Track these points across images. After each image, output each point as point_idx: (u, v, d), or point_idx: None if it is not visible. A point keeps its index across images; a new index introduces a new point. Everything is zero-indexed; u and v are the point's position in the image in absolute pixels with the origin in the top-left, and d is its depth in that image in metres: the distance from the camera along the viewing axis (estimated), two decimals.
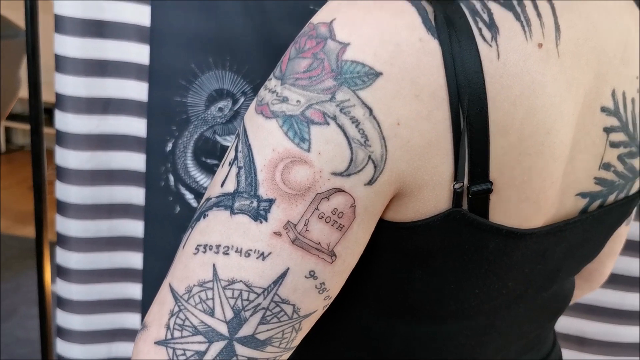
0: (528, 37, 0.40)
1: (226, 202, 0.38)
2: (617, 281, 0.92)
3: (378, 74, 0.36)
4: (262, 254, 0.37)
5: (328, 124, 0.36)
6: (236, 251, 0.37)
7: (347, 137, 0.36)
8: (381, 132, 0.37)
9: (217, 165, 0.93)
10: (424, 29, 0.37)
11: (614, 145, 0.50)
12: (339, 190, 0.36)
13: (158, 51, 0.90)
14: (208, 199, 0.39)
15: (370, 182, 0.37)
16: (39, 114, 1.06)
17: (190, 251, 0.39)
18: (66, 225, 0.98)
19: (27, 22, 1.01)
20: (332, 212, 0.37)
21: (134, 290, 1.03)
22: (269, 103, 0.38)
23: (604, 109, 0.48)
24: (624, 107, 0.49)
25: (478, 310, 0.49)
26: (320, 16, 0.39)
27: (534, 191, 0.43)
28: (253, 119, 0.39)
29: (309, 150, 0.36)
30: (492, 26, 0.39)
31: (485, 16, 0.39)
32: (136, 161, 0.96)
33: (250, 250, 0.37)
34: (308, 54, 0.38)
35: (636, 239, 0.91)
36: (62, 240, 1.00)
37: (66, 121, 0.93)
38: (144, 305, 1.03)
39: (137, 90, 0.92)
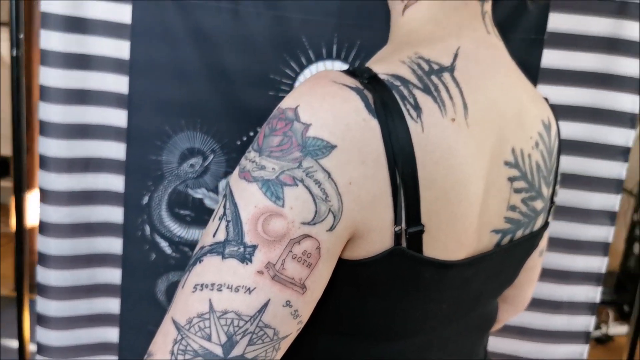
0: (444, 114, 0.53)
1: (218, 249, 0.48)
2: (543, 305, 1.06)
3: (333, 147, 0.47)
4: (249, 289, 0.46)
5: (297, 185, 0.47)
6: (228, 287, 0.46)
7: (312, 195, 0.47)
8: (338, 190, 0.47)
9: (189, 216, 1.03)
10: (366, 111, 0.49)
11: (517, 191, 0.62)
12: (308, 236, 0.47)
13: (135, 115, 1.00)
14: (202, 247, 0.49)
15: (331, 229, 0.48)
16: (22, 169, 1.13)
17: (189, 290, 0.48)
18: (46, 276, 1.06)
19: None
20: (302, 253, 0.47)
21: (112, 334, 1.10)
22: (250, 170, 0.49)
23: (506, 163, 0.60)
24: (523, 161, 0.62)
25: (420, 329, 0.60)
26: (287, 102, 0.50)
27: (457, 230, 0.55)
28: (238, 182, 0.49)
29: (283, 206, 0.46)
30: (417, 107, 0.52)
31: (411, 100, 0.52)
32: (114, 214, 1.05)
33: (239, 286, 0.46)
34: (279, 132, 0.49)
35: (558, 267, 1.05)
36: (43, 290, 1.07)
37: (49, 180, 1.01)
38: (121, 349, 1.10)
39: (116, 150, 1.02)
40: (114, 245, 1.06)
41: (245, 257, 0.47)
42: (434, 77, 0.54)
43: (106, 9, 0.98)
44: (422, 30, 0.60)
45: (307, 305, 0.50)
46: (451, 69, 0.55)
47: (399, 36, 0.62)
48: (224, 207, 0.49)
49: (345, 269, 0.53)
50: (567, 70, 0.99)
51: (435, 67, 0.55)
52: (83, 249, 1.06)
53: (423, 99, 0.52)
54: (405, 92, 0.52)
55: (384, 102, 0.50)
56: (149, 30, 0.98)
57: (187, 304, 0.48)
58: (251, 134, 1.00)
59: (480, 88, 0.57)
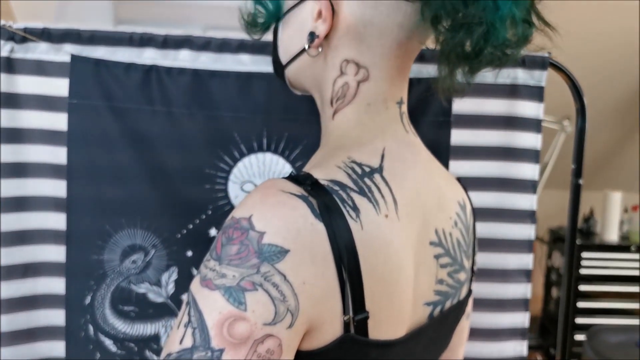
0: (378, 212, 0.60)
1: (186, 355, 0.51)
2: None
3: (287, 251, 0.52)
4: None
5: (257, 289, 0.51)
6: None
7: (271, 297, 0.51)
8: (293, 290, 0.52)
9: (134, 311, 1.05)
10: (313, 216, 0.55)
11: (443, 266, 0.70)
12: (270, 335, 0.51)
13: (74, 217, 1.02)
14: (169, 354, 0.52)
15: (290, 326, 0.52)
16: None
17: None
18: None
19: None
20: (266, 351, 0.51)
21: None
22: (211, 279, 0.53)
23: (432, 243, 0.68)
24: (445, 239, 0.71)
25: None
26: (241, 212, 0.55)
27: (395, 310, 0.62)
28: (200, 291, 0.53)
29: (245, 310, 0.51)
30: (355, 208, 0.59)
31: (350, 202, 0.59)
32: (56, 317, 1.05)
33: None
34: (236, 241, 0.54)
35: (485, 326, 1.14)
36: None
37: None
38: None
39: (56, 253, 1.03)
40: (57, 348, 1.05)
41: None
42: (366, 180, 0.61)
43: (41, 118, 1.01)
44: (351, 134, 0.67)
45: None
46: (380, 170, 0.63)
47: (331, 140, 0.69)
48: (189, 314, 0.53)
49: (302, 358, 0.58)
50: (474, 147, 1.10)
51: (367, 169, 0.62)
52: (25, 354, 1.04)
53: (360, 200, 0.59)
54: (344, 196, 0.58)
55: (327, 206, 0.56)
56: (86, 135, 1.01)
57: None
58: (190, 226, 1.04)
59: (405, 183, 0.65)
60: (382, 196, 0.61)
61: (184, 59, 1.02)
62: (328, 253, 0.55)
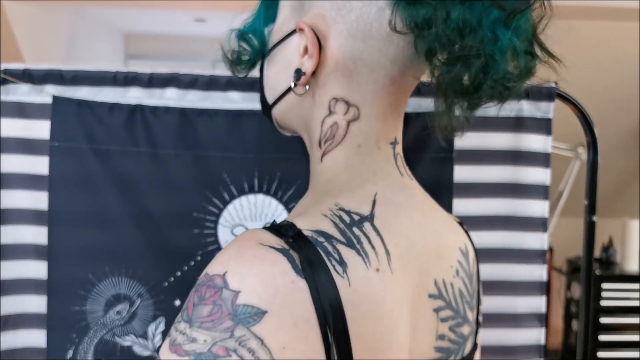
0: (368, 265, 0.54)
1: None
2: None
3: (264, 312, 0.47)
4: None
5: (230, 356, 0.46)
6: None
7: None
8: (272, 356, 0.47)
9: None
10: (294, 272, 0.49)
11: (443, 320, 0.64)
12: None
13: (56, 266, 0.97)
14: None
15: None
16: None
17: None
18: None
19: None
20: None
21: None
22: (181, 344, 0.48)
23: (430, 295, 0.62)
24: (446, 290, 0.65)
25: None
26: (214, 268, 0.50)
27: None
28: (169, 357, 0.48)
29: None
30: (342, 262, 0.53)
31: (336, 255, 0.53)
32: None
33: None
34: (209, 301, 0.49)
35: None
36: None
37: None
38: None
39: (36, 304, 0.98)
40: None
41: None
42: (355, 229, 0.56)
43: (22, 161, 0.97)
44: (340, 178, 0.62)
45: None
46: (371, 217, 0.58)
47: (318, 184, 0.64)
48: None
49: None
50: (479, 184, 1.04)
51: (356, 217, 0.57)
52: None
53: (347, 253, 0.54)
54: (330, 248, 0.53)
55: (310, 260, 0.51)
56: (68, 179, 0.97)
57: None
58: (178, 274, 0.99)
59: (399, 231, 0.60)
60: (373, 247, 0.56)
61: (170, 97, 0.98)
62: (311, 314, 0.49)
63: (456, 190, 1.04)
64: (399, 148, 0.66)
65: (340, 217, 0.57)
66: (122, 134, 0.97)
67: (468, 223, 1.02)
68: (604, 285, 3.20)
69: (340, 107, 0.63)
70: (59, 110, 0.97)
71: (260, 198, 1.00)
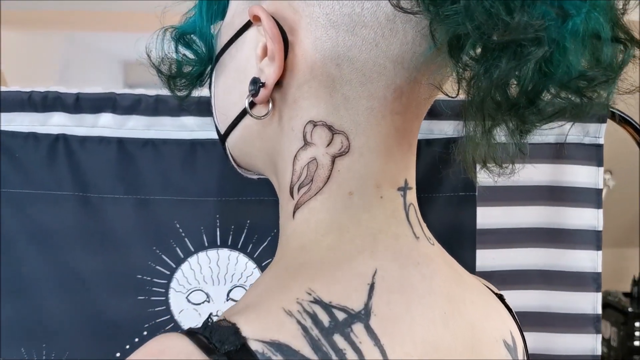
0: None
1: None
2: None
3: None
4: None
5: None
6: None
7: None
8: None
9: None
10: None
11: None
12: None
13: None
14: None
15: None
16: None
17: None
18: None
19: None
20: None
21: None
22: None
23: None
24: None
25: None
26: None
27: None
28: None
29: None
30: None
31: None
32: None
33: None
34: None
35: None
36: None
37: None
38: None
39: None
40: None
41: None
42: (338, 339, 0.37)
43: None
44: (319, 245, 0.43)
45: None
46: (365, 315, 0.39)
47: (287, 254, 0.45)
48: None
49: None
50: (509, 229, 0.83)
51: (341, 317, 0.38)
52: None
53: None
54: None
55: None
56: None
57: None
58: (118, 354, 0.76)
59: (411, 334, 0.41)
60: None
61: (105, 124, 0.77)
62: None
63: (480, 239, 0.82)
64: (412, 195, 0.46)
65: (314, 318, 0.37)
66: (40, 172, 0.76)
67: (496, 280, 0.79)
68: (637, 324, 2.94)
69: (320, 134, 0.43)
70: None
71: (224, 254, 0.78)
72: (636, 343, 2.94)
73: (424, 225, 0.46)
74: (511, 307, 0.55)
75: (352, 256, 0.41)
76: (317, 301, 0.38)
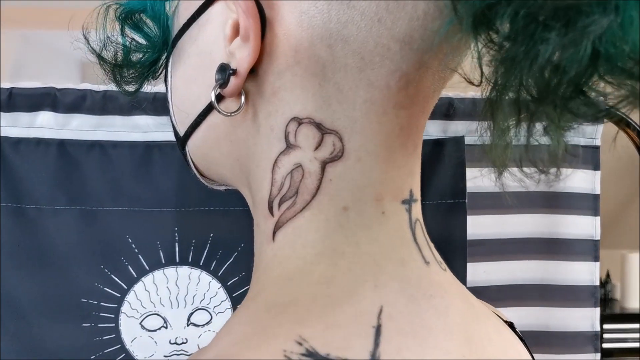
0: None
1: None
2: None
3: None
4: None
5: None
6: None
7: None
8: None
9: None
10: None
11: None
12: None
13: None
14: None
15: None
16: None
17: None
18: None
19: None
20: None
21: None
22: None
23: None
24: None
25: None
26: None
27: None
28: None
29: None
30: None
31: None
32: None
33: None
34: None
35: None
36: None
37: None
38: None
39: None
40: None
41: None
42: None
43: None
44: (310, 276, 0.35)
45: None
46: None
47: (267, 287, 0.36)
48: None
49: None
50: (500, 240, 0.76)
51: None
52: None
53: None
54: None
55: None
56: None
57: None
58: None
59: None
60: None
61: (44, 124, 0.68)
62: None
63: (471, 250, 0.75)
64: (418, 209, 0.38)
65: None
66: None
67: (489, 296, 0.73)
68: (605, 326, 2.96)
69: (306, 135, 0.36)
70: None
71: (184, 272, 0.69)
72: (605, 345, 2.97)
73: (432, 246, 0.38)
74: (522, 335, 0.48)
75: (352, 290, 0.33)
76: (311, 353, 0.30)
